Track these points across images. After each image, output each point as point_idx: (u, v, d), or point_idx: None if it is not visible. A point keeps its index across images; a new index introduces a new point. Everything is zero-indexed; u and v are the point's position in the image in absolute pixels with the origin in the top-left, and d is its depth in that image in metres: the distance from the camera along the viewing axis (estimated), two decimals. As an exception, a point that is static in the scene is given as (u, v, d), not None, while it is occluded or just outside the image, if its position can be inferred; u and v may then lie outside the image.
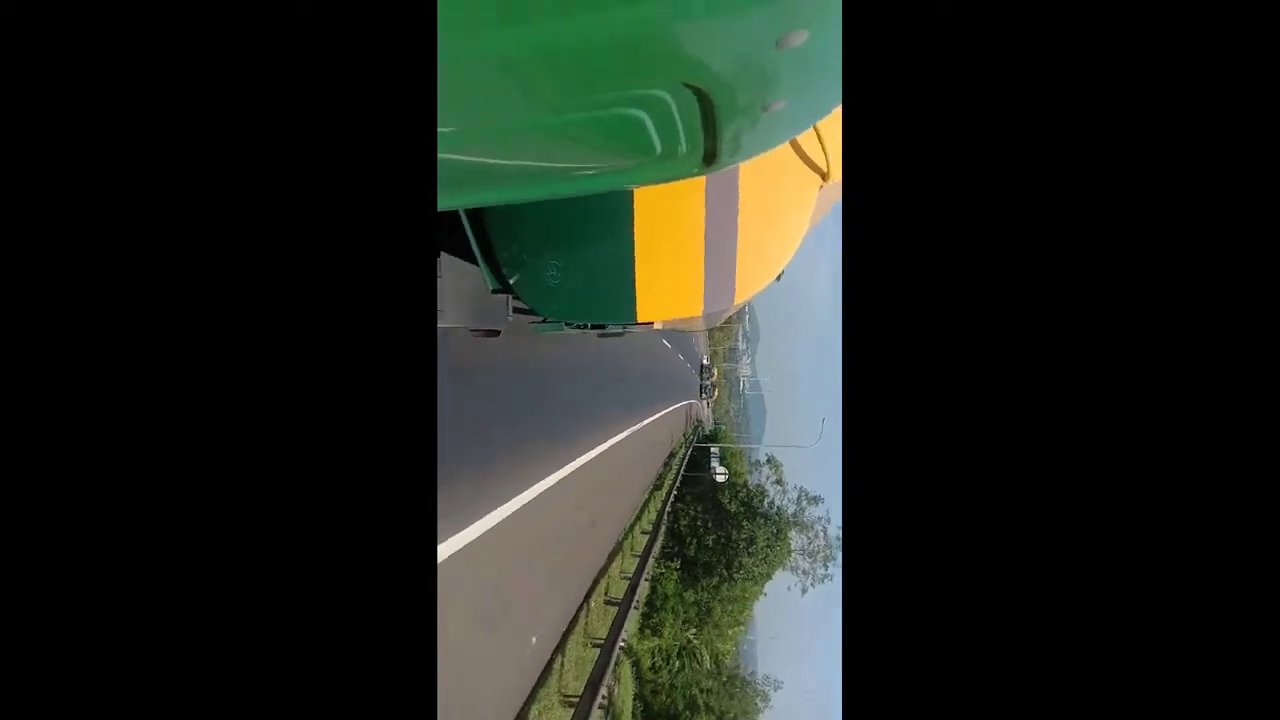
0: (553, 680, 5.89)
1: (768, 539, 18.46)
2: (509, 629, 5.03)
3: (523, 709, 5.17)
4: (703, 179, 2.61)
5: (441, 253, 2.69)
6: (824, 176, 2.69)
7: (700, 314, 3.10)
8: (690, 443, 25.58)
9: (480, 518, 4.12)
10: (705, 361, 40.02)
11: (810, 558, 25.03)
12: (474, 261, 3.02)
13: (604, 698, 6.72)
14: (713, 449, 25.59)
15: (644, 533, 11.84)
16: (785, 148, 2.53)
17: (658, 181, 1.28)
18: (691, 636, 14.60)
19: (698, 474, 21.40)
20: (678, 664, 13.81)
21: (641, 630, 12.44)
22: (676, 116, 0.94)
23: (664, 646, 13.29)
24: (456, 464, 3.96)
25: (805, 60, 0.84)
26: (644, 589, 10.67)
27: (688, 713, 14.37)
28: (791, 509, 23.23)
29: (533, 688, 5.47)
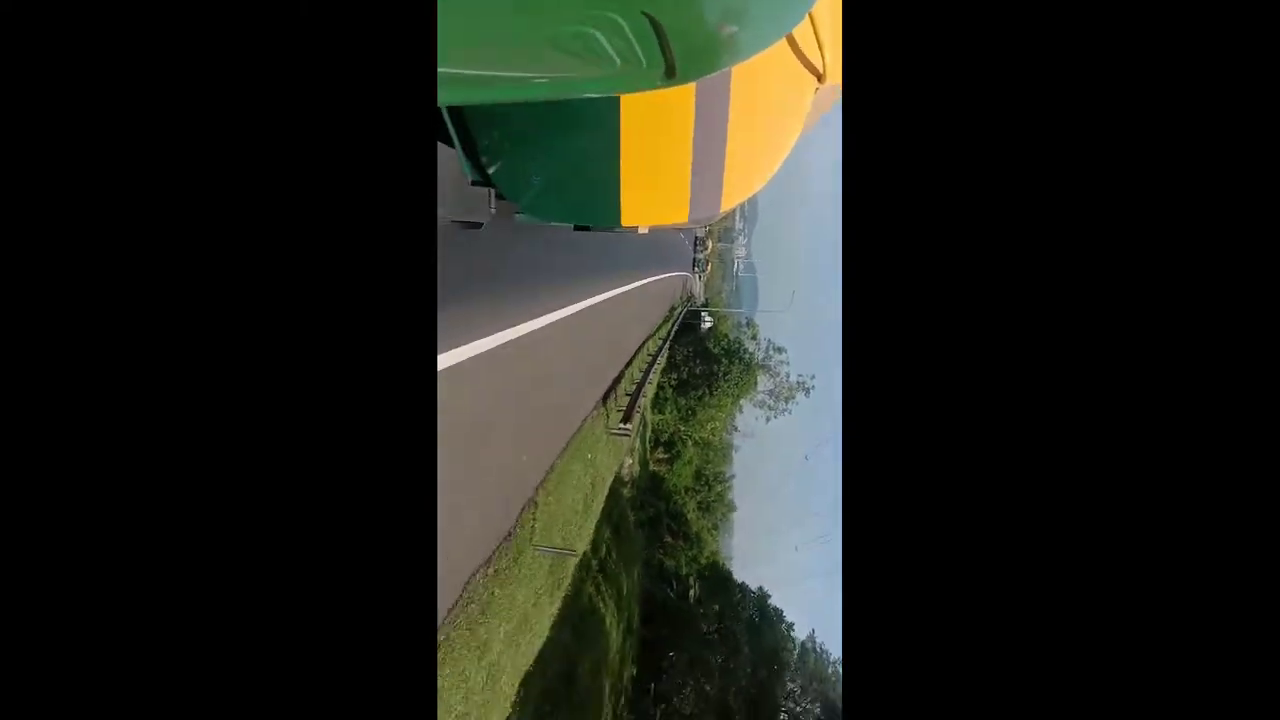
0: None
1: (740, 372, 25.61)
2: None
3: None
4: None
5: None
6: (820, 78, 2.57)
7: (686, 220, 3.07)
8: (684, 309, 32.00)
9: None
10: (700, 234, 40.53)
11: (774, 397, 33.10)
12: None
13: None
14: (703, 312, 32.21)
15: (649, 355, 18.13)
16: (782, 47, 2.40)
17: (624, 91, 1.35)
18: (681, 427, 22.08)
19: (690, 330, 28.06)
20: (670, 453, 21.40)
21: (650, 409, 19.62)
22: (631, 36, 0.99)
23: (666, 422, 20.69)
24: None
25: None
26: (650, 393, 16.52)
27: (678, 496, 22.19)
28: (760, 355, 30.50)
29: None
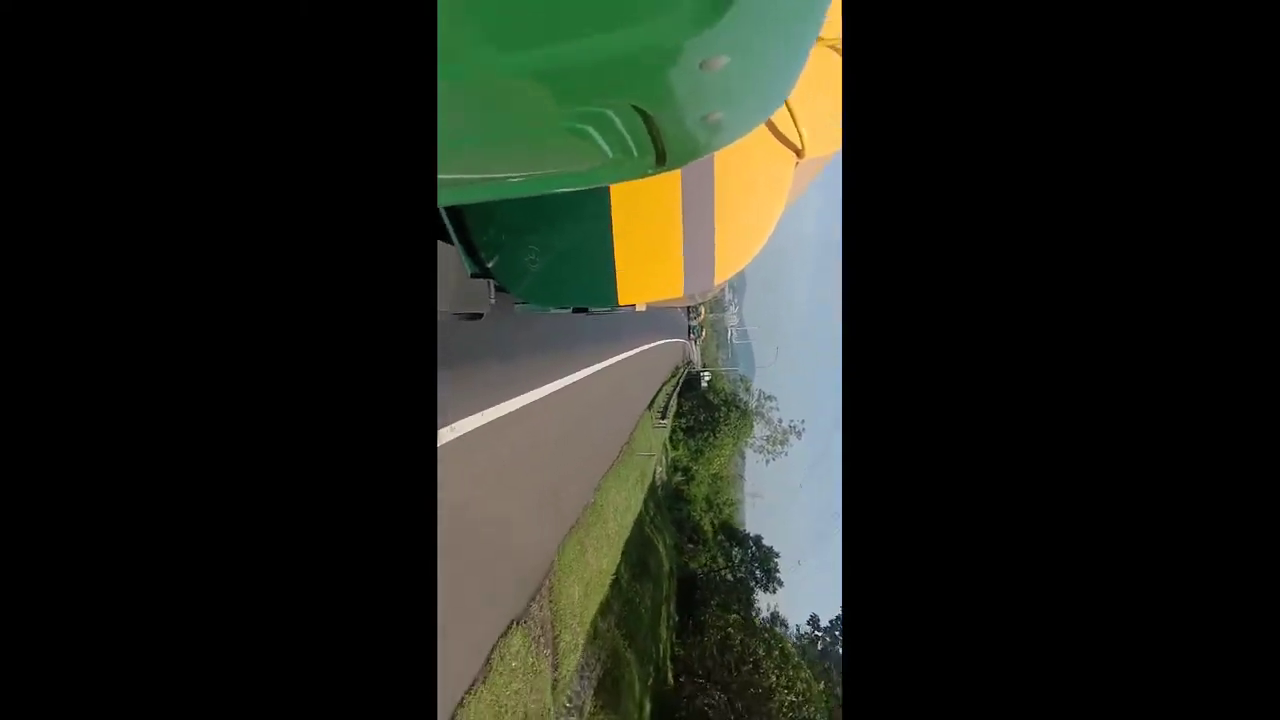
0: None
1: (737, 418, 30.59)
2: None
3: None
4: None
5: None
6: (798, 153, 2.70)
7: (681, 295, 3.15)
8: (685, 370, 37.34)
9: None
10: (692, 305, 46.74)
11: (771, 442, 37.98)
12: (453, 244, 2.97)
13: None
14: (702, 371, 37.59)
15: (658, 421, 23.07)
16: (759, 129, 2.48)
17: (616, 180, 1.34)
18: (689, 463, 26.75)
19: (692, 386, 33.29)
20: (687, 476, 26.02)
21: (669, 446, 24.40)
22: (622, 129, 1.02)
23: (680, 457, 25.43)
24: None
25: (731, 79, 0.91)
26: (666, 433, 21.47)
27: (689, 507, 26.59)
28: (754, 404, 35.65)
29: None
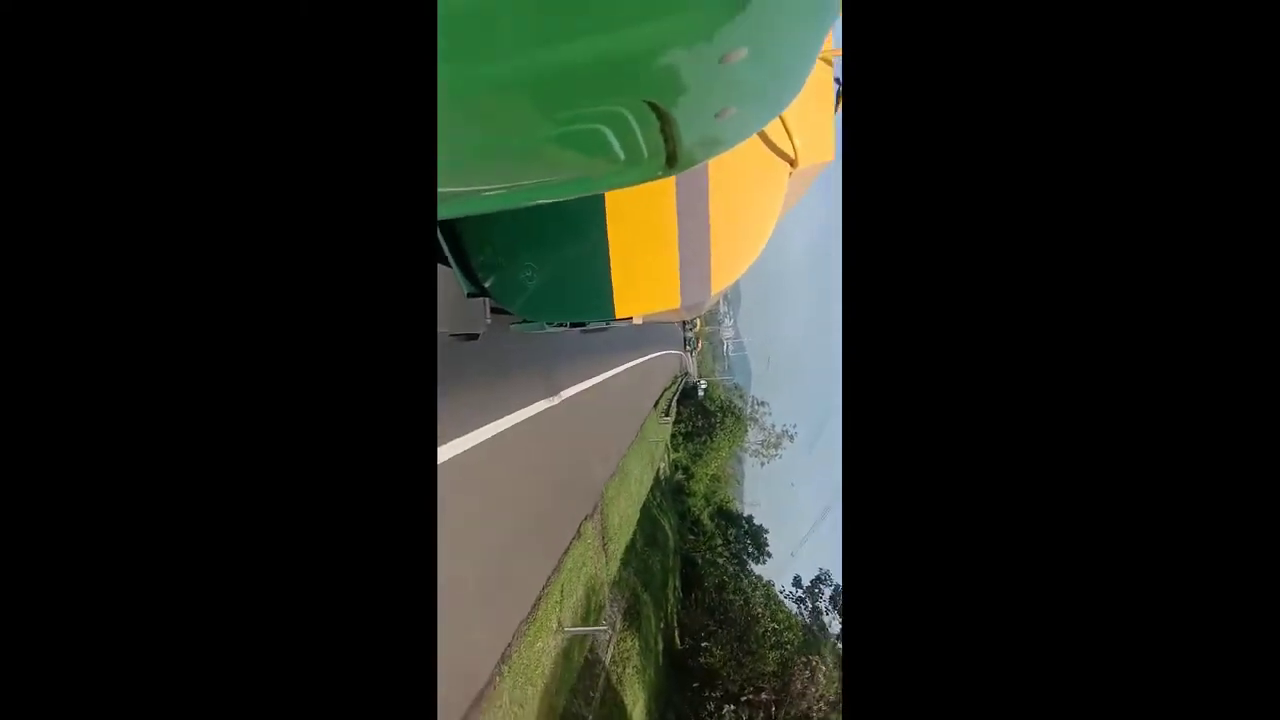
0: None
1: (733, 423, 32.99)
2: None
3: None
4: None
5: None
6: (792, 164, 2.72)
7: (678, 306, 3.19)
8: (683, 380, 39.71)
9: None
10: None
11: (765, 445, 40.32)
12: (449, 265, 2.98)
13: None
14: (699, 381, 40.00)
15: (663, 419, 25.48)
16: (751, 139, 2.52)
17: (625, 185, 1.34)
18: (689, 464, 29.06)
19: (690, 396, 35.70)
20: (688, 474, 28.38)
21: (670, 448, 26.69)
22: (636, 128, 1.00)
23: (681, 459, 27.73)
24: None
25: (748, 72, 0.92)
26: (668, 436, 24.02)
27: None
28: (749, 410, 38.04)
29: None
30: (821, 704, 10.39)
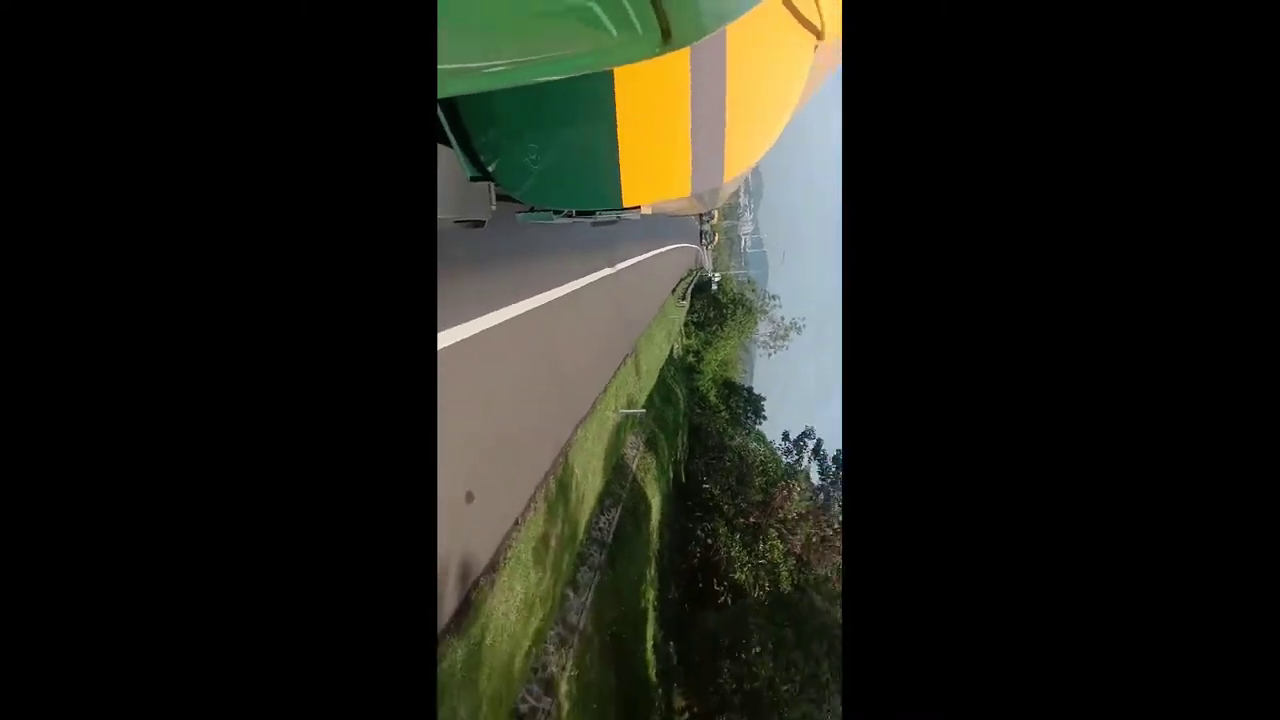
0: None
1: (743, 314, 35.31)
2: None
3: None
4: (687, 48, 2.11)
5: None
6: (819, 35, 2.52)
7: (689, 194, 3.08)
8: (698, 274, 41.41)
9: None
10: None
11: (774, 338, 42.89)
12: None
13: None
14: (713, 275, 41.78)
15: (680, 302, 27.66)
16: (776, 6, 2.36)
17: (621, 63, 1.29)
18: (700, 346, 31.88)
19: (703, 290, 37.69)
20: (698, 357, 31.33)
21: (682, 335, 29.34)
22: (626, 3, 0.99)
23: (692, 345, 30.52)
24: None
25: None
26: (681, 323, 26.62)
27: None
28: (759, 303, 40.16)
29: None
30: (793, 513, 13.73)
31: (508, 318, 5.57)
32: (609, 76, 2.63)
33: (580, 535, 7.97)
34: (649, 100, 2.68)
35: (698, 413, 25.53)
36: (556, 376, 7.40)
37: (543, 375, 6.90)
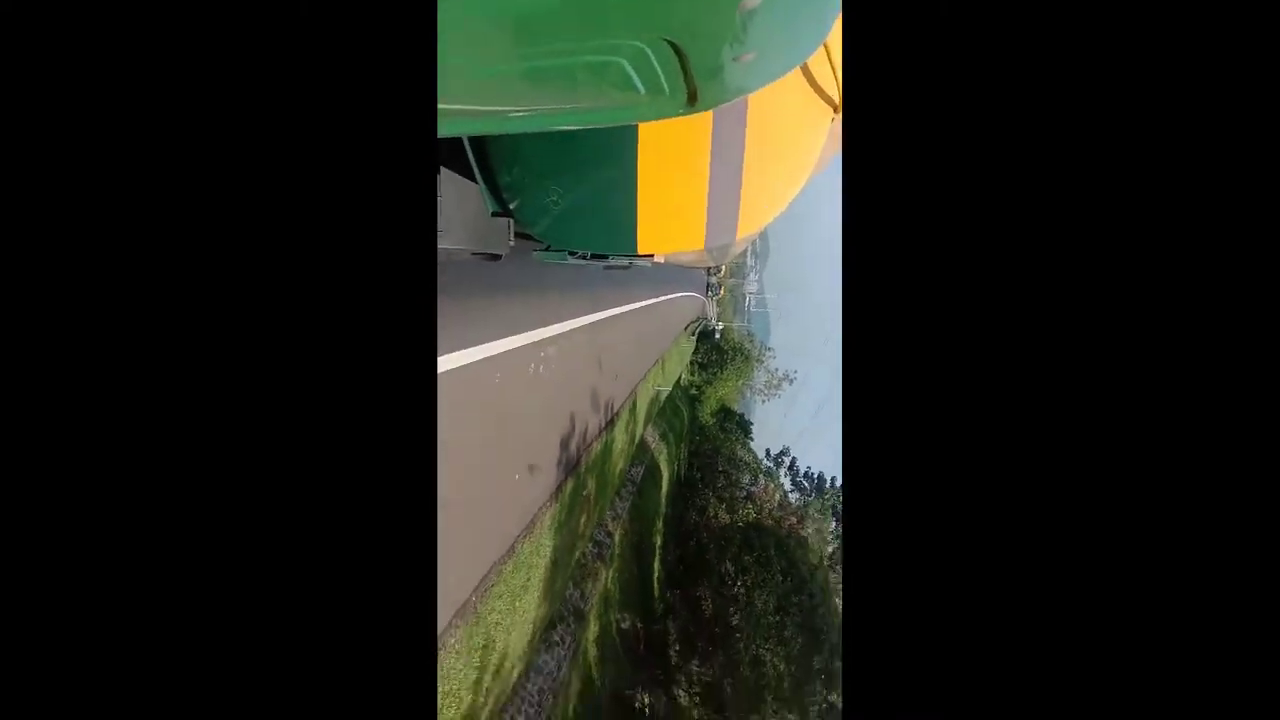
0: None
1: (741, 361, 39.79)
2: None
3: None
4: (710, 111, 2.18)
5: (442, 169, 2.61)
6: (835, 108, 2.60)
7: (702, 248, 3.16)
8: (703, 322, 46.12)
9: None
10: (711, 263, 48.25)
11: (768, 386, 47.41)
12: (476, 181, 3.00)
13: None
14: (717, 324, 46.63)
15: (690, 338, 32.08)
16: (797, 77, 2.46)
17: (648, 119, 1.34)
18: (702, 384, 36.16)
19: (707, 337, 42.34)
20: (701, 392, 35.57)
21: (687, 373, 33.64)
22: (655, 64, 1.01)
23: (695, 382, 34.81)
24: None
25: (765, 19, 0.95)
26: (685, 367, 31.04)
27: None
28: (756, 354, 44.82)
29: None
30: (767, 504, 17.72)
31: (576, 325, 7.23)
32: (633, 129, 2.75)
33: (615, 482, 11.86)
34: (670, 155, 2.79)
35: (697, 440, 29.59)
36: (605, 371, 10.22)
37: (593, 369, 9.64)
